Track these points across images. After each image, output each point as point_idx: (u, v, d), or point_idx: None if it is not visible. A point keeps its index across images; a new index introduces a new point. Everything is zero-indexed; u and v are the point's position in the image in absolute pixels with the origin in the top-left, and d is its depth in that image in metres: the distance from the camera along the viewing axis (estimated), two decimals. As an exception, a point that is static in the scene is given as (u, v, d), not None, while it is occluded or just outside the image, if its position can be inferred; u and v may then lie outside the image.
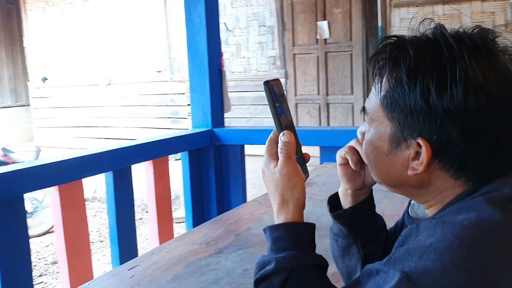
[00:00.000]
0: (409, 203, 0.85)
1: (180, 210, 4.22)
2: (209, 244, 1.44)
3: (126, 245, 3.24)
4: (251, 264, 1.28)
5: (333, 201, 0.91)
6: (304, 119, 5.87)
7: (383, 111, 0.70)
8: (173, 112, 7.02)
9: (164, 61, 7.00)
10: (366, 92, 5.38)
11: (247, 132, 4.01)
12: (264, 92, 0.80)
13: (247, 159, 4.12)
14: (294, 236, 0.75)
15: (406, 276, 0.60)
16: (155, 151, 3.63)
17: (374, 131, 0.72)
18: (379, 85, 0.70)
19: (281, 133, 0.79)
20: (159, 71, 7.08)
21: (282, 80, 6.08)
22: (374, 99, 0.72)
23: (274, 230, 0.76)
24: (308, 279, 0.72)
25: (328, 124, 5.71)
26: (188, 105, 6.82)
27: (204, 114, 3.96)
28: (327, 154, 3.63)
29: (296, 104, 5.94)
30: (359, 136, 0.80)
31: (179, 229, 3.96)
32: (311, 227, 0.77)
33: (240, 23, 6.25)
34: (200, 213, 3.99)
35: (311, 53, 5.71)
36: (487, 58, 0.66)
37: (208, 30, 3.87)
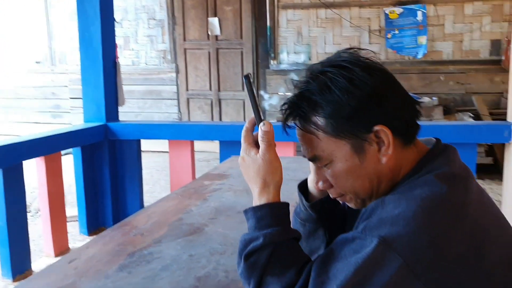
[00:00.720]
0: None
1: (72, 208, 4.01)
2: (144, 235, 1.45)
3: (17, 248, 3.03)
4: (194, 250, 1.32)
5: (303, 189, 1.00)
6: (196, 114, 5.90)
7: (333, 140, 0.81)
8: (54, 106, 6.59)
9: (44, 51, 6.54)
10: (256, 89, 5.59)
11: (144, 126, 3.96)
12: (245, 85, 0.87)
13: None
14: (276, 214, 0.82)
15: (383, 240, 0.71)
16: (47, 147, 3.43)
17: (339, 160, 0.82)
18: (312, 127, 0.81)
19: (261, 123, 0.86)
20: (38, 62, 6.60)
21: (173, 75, 6.05)
22: (317, 142, 0.82)
23: (258, 210, 0.83)
24: (290, 251, 0.80)
25: (220, 120, 5.82)
26: (71, 98, 6.46)
27: (98, 108, 3.83)
28: (226, 147, 3.73)
29: (188, 99, 5.95)
30: (325, 186, 0.87)
31: (70, 228, 3.77)
32: (288, 205, 0.85)
33: (128, 15, 6.08)
34: (93, 212, 3.85)
35: (203, 48, 5.77)
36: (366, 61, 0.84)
37: (103, 22, 3.74)
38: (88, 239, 3.75)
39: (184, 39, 5.84)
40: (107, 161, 3.89)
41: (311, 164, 0.91)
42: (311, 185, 0.99)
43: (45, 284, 1.14)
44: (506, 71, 3.98)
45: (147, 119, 6.04)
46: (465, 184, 0.80)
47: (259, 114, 0.87)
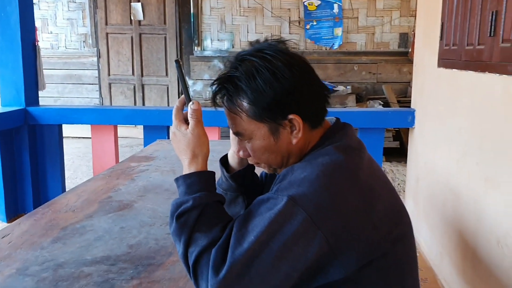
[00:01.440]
0: None
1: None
2: (75, 211, 1.52)
3: None
4: (124, 223, 1.42)
5: (224, 162, 1.14)
6: (118, 100, 5.84)
7: (254, 122, 0.95)
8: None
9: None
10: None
11: (66, 111, 3.90)
12: (176, 69, 0.99)
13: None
14: (204, 181, 0.96)
15: (291, 198, 0.86)
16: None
17: (257, 138, 0.97)
18: (237, 109, 0.95)
19: (191, 102, 0.98)
20: None
21: (94, 59, 5.93)
22: (240, 121, 0.96)
23: (188, 178, 0.95)
24: (216, 211, 0.94)
25: (144, 105, 5.80)
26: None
27: (17, 92, 3.73)
28: (151, 132, 3.79)
29: (110, 84, 5.86)
30: (245, 154, 1.02)
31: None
32: (214, 174, 0.99)
33: (46, -4, 5.87)
34: (12, 198, 3.76)
35: (125, 33, 5.70)
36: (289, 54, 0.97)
37: (21, 2, 3.63)
38: (6, 226, 3.66)
39: (106, 23, 5.74)
40: (27, 146, 3.80)
41: (231, 138, 1.06)
42: (231, 159, 1.14)
43: (-20, 257, 1.20)
44: (412, 62, 4.36)
45: (67, 104, 5.89)
46: (358, 154, 0.98)
47: (188, 95, 0.99)
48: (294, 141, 0.97)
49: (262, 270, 0.86)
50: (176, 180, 0.98)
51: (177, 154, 1.01)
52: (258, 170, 1.14)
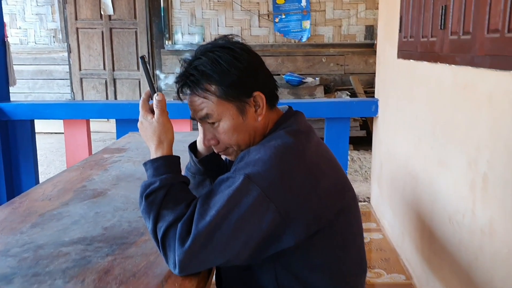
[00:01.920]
0: None
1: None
2: (51, 200, 1.61)
3: None
4: (99, 209, 1.52)
5: (193, 148, 1.26)
6: (90, 94, 5.86)
7: (223, 102, 1.07)
8: None
9: None
10: (152, 69, 5.68)
11: (38, 106, 3.94)
12: (141, 65, 1.10)
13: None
14: (169, 164, 1.07)
15: (247, 176, 0.99)
16: None
17: (227, 119, 1.09)
18: (206, 92, 1.07)
19: (156, 94, 1.09)
20: None
21: (65, 54, 5.93)
22: (209, 104, 1.08)
23: (155, 162, 1.07)
24: (181, 191, 1.06)
25: (116, 99, 5.83)
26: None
27: (-13, 88, 3.74)
28: (123, 125, 3.85)
29: (81, 79, 5.88)
30: (212, 142, 1.13)
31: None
32: (179, 158, 1.10)
33: (14, -9, 5.83)
34: (-15, 194, 3.78)
35: (95, 28, 5.71)
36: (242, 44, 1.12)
37: (-11, -2, 3.64)
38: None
39: (76, 18, 5.74)
40: (-1, 142, 3.83)
41: (199, 127, 1.17)
42: (199, 145, 1.25)
43: (-37, 242, 1.28)
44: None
45: (39, 100, 5.88)
46: (306, 137, 1.11)
47: (153, 88, 1.10)
48: (259, 118, 1.09)
49: (223, 240, 0.98)
50: (145, 164, 1.09)
51: (145, 141, 1.12)
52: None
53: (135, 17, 5.58)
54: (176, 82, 1.11)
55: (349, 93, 5.19)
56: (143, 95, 1.13)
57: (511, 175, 1.63)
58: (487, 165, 1.83)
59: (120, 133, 3.88)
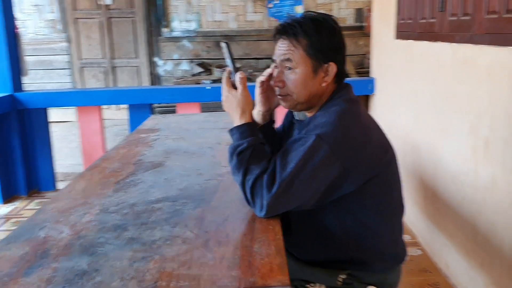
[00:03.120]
0: (287, 116, 1.52)
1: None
2: (117, 171, 1.82)
3: None
4: (165, 176, 1.74)
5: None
6: (91, 83, 6.01)
7: (305, 57, 1.32)
8: None
9: None
10: (150, 56, 5.86)
11: (53, 95, 4.12)
12: (222, 50, 1.34)
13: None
14: (252, 129, 1.32)
15: (318, 136, 1.24)
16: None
17: (301, 69, 1.33)
18: (296, 42, 1.31)
19: (238, 72, 1.33)
20: None
21: (64, 44, 6.05)
22: (296, 53, 1.32)
23: (240, 127, 1.31)
24: (262, 150, 1.31)
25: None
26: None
27: (3, 79, 3.92)
28: (135, 110, 4.06)
29: (82, 68, 6.02)
30: (280, 84, 1.37)
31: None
32: (257, 124, 1.35)
33: (11, -17, 5.89)
34: (6, 181, 3.97)
35: (94, 17, 5.85)
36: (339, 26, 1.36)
37: (2, -8, 3.78)
38: (4, 207, 3.89)
39: (74, 9, 5.87)
40: (17, 131, 4.01)
41: (257, 99, 1.43)
42: (256, 117, 1.50)
43: (62, 206, 1.51)
44: (368, 35, 4.80)
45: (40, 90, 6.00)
46: (357, 104, 1.37)
47: (235, 68, 1.34)
48: (324, 84, 1.35)
49: (299, 187, 1.23)
50: (231, 130, 1.34)
51: (228, 111, 1.36)
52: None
53: (132, 6, 5.73)
54: (278, 26, 1.36)
55: (342, 74, 5.46)
56: (225, 74, 1.38)
57: (511, 135, 1.92)
58: (488, 130, 2.11)
59: (133, 118, 4.09)
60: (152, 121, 2.99)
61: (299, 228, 1.42)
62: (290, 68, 1.35)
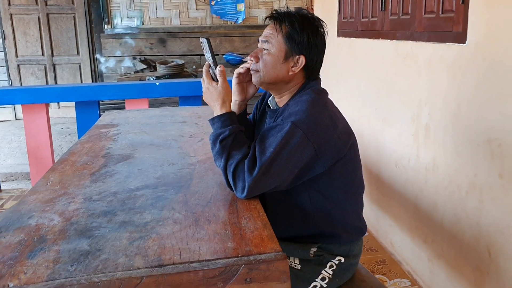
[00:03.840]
0: (258, 106, 1.65)
1: None
2: (89, 164, 1.88)
3: None
4: (139, 167, 1.81)
5: None
6: (29, 81, 5.81)
7: (282, 42, 1.46)
8: None
9: None
10: (92, 53, 5.77)
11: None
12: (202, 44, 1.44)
13: None
14: (232, 117, 1.44)
15: (293, 123, 1.38)
16: None
17: (275, 52, 1.47)
18: (280, 28, 1.46)
19: (219, 66, 1.45)
20: None
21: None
22: (275, 35, 1.47)
23: (222, 116, 1.43)
24: (242, 137, 1.43)
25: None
26: None
27: None
28: (83, 107, 4.03)
29: (18, 65, 5.80)
30: (254, 59, 1.51)
31: None
32: (235, 113, 1.47)
33: None
34: None
35: (31, 13, 5.65)
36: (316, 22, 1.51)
37: None
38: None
39: (9, 4, 5.65)
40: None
41: (234, 90, 1.55)
42: (233, 106, 1.62)
43: (43, 197, 1.54)
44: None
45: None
46: (324, 94, 1.52)
47: (215, 62, 1.45)
48: (290, 73, 1.49)
49: (278, 169, 1.37)
50: (212, 119, 1.45)
51: (210, 103, 1.47)
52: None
53: (72, 3, 5.61)
54: (271, 14, 1.52)
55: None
56: (204, 67, 1.48)
57: (449, 121, 2.16)
58: (428, 117, 2.35)
59: (80, 114, 4.06)
60: (108, 116, 3.01)
61: (274, 207, 1.56)
62: (266, 49, 1.49)
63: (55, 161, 2.56)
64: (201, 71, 5.06)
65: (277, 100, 1.59)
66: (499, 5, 1.78)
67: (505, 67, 1.76)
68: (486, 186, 1.92)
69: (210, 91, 1.46)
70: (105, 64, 5.73)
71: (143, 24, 5.78)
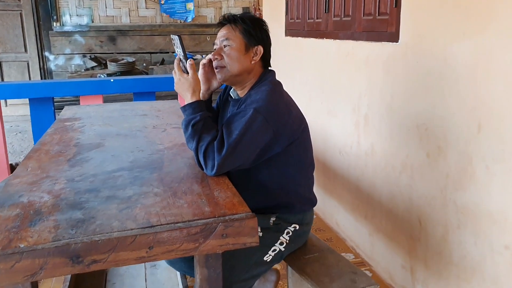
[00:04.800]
0: (220, 96, 1.87)
1: None
2: (62, 152, 2.02)
3: None
4: (111, 153, 1.97)
5: None
6: (-26, 78, 5.71)
7: (240, 38, 1.69)
8: None
9: None
10: (41, 51, 5.76)
11: None
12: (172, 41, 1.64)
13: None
14: (202, 105, 1.65)
15: (255, 109, 1.61)
16: None
17: (236, 46, 1.70)
18: (235, 26, 1.69)
19: (189, 60, 1.65)
20: None
21: None
22: (233, 33, 1.70)
23: (192, 104, 1.63)
24: (211, 122, 1.64)
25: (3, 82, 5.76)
26: None
27: None
28: (36, 104, 4.08)
29: (-37, 62, 5.69)
30: (218, 57, 1.73)
31: None
32: (204, 101, 1.69)
33: None
34: None
35: (-24, 10, 5.56)
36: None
37: None
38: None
39: (-48, -1, 5.52)
40: None
41: (201, 77, 1.77)
42: (200, 95, 1.83)
43: (27, 180, 1.69)
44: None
45: None
46: (280, 86, 1.77)
47: (186, 56, 1.66)
48: (252, 62, 1.73)
49: (242, 149, 1.59)
50: (183, 107, 1.65)
51: (181, 92, 1.67)
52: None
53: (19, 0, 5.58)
54: (221, 18, 1.75)
55: (234, 68, 5.91)
56: (175, 61, 1.69)
57: (385, 110, 2.47)
58: (367, 108, 2.66)
59: (34, 111, 4.10)
60: (69, 111, 3.11)
61: (238, 183, 1.77)
62: (227, 45, 1.72)
63: (8, 158, 2.66)
64: (152, 68, 5.23)
65: (239, 92, 1.82)
66: (426, 9, 2.09)
67: (429, 63, 2.07)
68: (415, 164, 2.23)
69: (181, 82, 1.67)
70: (55, 61, 5.74)
71: (92, 22, 5.83)
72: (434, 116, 2.05)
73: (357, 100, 2.77)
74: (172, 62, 5.72)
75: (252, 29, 1.72)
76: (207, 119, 1.64)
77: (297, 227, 1.81)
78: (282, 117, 1.66)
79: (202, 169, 1.64)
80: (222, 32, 1.75)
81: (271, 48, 1.84)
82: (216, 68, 1.76)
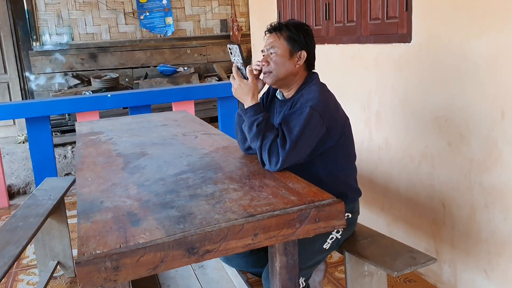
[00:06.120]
0: (263, 99, 2.01)
1: None
2: (111, 162, 2.07)
3: None
4: (160, 161, 2.04)
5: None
6: (-47, 103, 5.54)
7: (285, 44, 1.83)
8: None
9: None
10: (21, 71, 5.68)
11: None
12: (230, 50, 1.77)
13: None
14: (261, 107, 1.77)
15: (311, 106, 1.75)
16: None
17: (281, 53, 1.83)
18: (280, 34, 1.83)
19: (248, 66, 1.77)
20: None
21: None
22: (278, 41, 1.84)
23: (254, 106, 1.75)
24: (271, 122, 1.77)
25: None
26: None
27: None
28: (33, 123, 4.06)
29: None
30: (265, 63, 1.86)
31: None
32: (261, 104, 1.81)
33: None
34: None
35: (-48, 33, 5.41)
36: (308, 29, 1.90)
37: None
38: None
39: None
40: None
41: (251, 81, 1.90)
42: None
43: (96, 188, 1.74)
44: (234, 43, 5.43)
45: None
46: (326, 86, 1.91)
47: (244, 63, 1.78)
48: (297, 66, 1.86)
49: (302, 144, 1.73)
50: (245, 109, 1.77)
51: (241, 97, 1.79)
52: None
53: (-3, 20, 5.48)
54: (268, 26, 1.90)
55: (217, 78, 6.02)
56: (234, 67, 1.81)
57: (399, 106, 2.66)
58: (378, 105, 2.85)
59: (31, 131, 4.09)
60: (83, 127, 3.13)
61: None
62: (273, 53, 1.85)
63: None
64: (137, 83, 5.29)
65: (285, 93, 1.95)
66: (438, 11, 2.30)
67: (446, 59, 2.28)
68: (436, 154, 2.42)
69: (241, 87, 1.79)
70: (36, 81, 5.68)
71: (73, 40, 5.81)
72: (454, 107, 2.25)
73: (366, 99, 2.95)
74: (152, 77, 5.79)
75: (296, 35, 1.86)
76: (268, 119, 1.76)
77: (350, 215, 1.95)
78: (333, 114, 1.81)
79: (264, 166, 1.76)
80: (268, 40, 1.88)
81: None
82: (265, 73, 1.89)
